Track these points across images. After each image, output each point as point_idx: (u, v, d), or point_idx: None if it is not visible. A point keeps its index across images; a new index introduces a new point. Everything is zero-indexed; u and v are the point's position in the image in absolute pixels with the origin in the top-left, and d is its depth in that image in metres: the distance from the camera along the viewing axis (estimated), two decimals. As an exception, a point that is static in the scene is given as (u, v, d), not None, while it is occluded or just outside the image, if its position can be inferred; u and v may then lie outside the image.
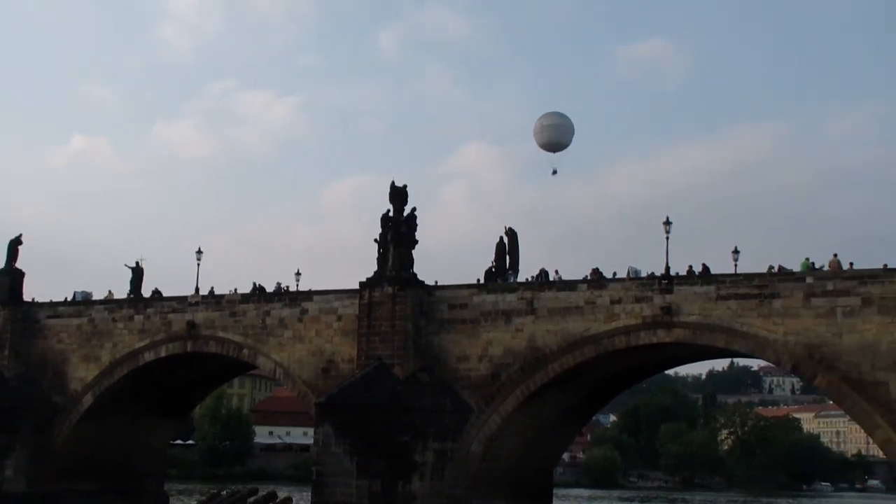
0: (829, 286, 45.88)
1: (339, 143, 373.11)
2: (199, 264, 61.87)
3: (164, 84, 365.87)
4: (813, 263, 48.39)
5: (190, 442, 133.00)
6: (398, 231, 51.80)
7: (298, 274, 60.15)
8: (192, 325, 59.69)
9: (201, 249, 62.40)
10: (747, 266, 49.52)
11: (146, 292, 63.77)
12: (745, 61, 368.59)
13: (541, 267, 52.62)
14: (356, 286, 53.49)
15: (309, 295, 56.32)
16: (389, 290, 51.48)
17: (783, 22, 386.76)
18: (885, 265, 45.24)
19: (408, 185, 52.75)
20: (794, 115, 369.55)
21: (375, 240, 52.37)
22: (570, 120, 56.99)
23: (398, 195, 52.70)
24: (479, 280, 53.30)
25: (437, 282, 53.67)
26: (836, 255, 48.37)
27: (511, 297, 51.62)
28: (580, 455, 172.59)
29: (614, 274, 50.71)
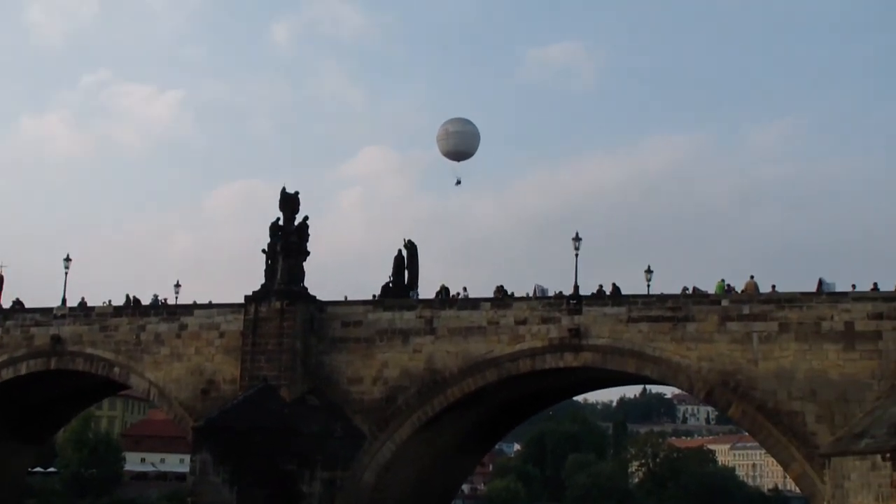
0: (745, 310, 46.85)
1: (225, 144, 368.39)
2: (66, 273, 61.00)
3: (31, 73, 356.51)
4: (729, 286, 49.65)
5: (51, 470, 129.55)
6: (288, 241, 51.78)
7: (178, 286, 59.79)
8: (57, 339, 58.45)
9: (70, 257, 61.76)
10: (660, 287, 50.65)
11: (6, 302, 62.38)
12: (662, 69, 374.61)
13: (442, 283, 53.08)
14: (241, 300, 53.35)
15: (189, 309, 55.80)
16: (277, 304, 51.34)
17: (703, 29, 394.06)
18: (807, 291, 46.81)
19: (299, 191, 52.75)
20: (711, 126, 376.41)
21: (263, 250, 52.34)
22: (475, 127, 58.75)
23: (289, 202, 52.61)
24: (374, 296, 53.72)
25: (329, 297, 54.14)
26: (752, 277, 49.56)
27: (409, 316, 51.95)
28: (481, 486, 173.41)
29: (517, 293, 51.63)
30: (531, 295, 51.28)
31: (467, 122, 58.55)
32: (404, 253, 54.23)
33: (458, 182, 57.37)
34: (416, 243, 53.89)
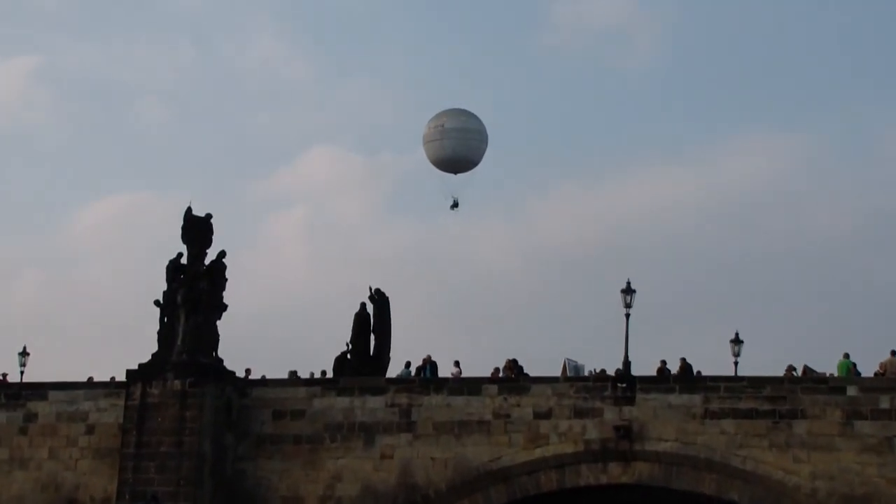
0: (884, 402, 40.87)
1: (99, 137, 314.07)
2: None
3: None
4: (854, 365, 43.91)
5: None
6: (195, 288, 46.16)
7: (24, 353, 54.11)
8: None
9: None
10: (754, 365, 47.96)
11: None
12: (755, 35, 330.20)
13: (426, 354, 47.69)
14: (121, 376, 47.20)
15: (40, 390, 49.06)
16: (177, 384, 45.18)
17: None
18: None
19: (212, 213, 47.16)
20: (828, 125, 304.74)
21: (157, 302, 46.56)
22: (481, 123, 54.48)
23: (196, 229, 46.87)
24: (324, 372, 48.14)
25: (255, 373, 48.53)
26: (894, 353, 43.70)
27: (376, 403, 45.87)
28: None
29: (537, 371, 46.04)
30: (559, 375, 46.20)
31: (470, 115, 53.99)
32: (370, 308, 48.17)
33: (455, 205, 53.57)
34: (386, 294, 48.22)
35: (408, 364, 48.38)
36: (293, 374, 49.21)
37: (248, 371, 48.87)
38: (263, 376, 48.55)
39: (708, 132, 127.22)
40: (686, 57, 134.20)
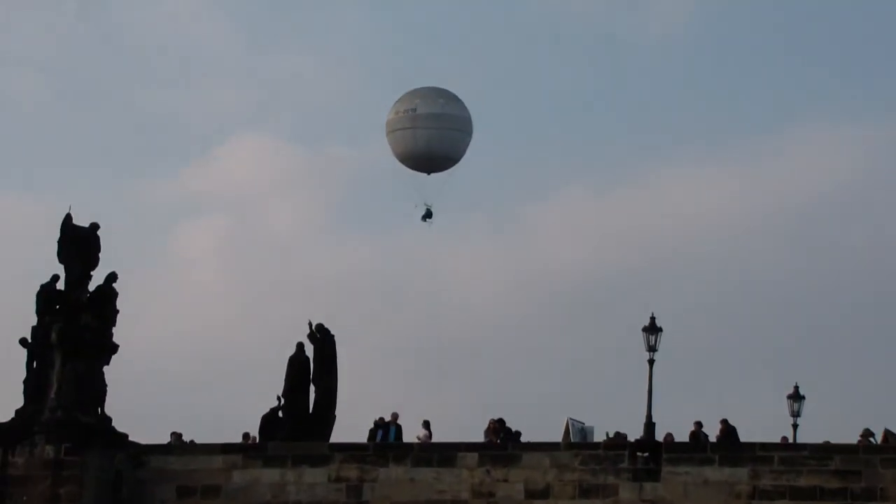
0: None
1: None
2: None
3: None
4: None
5: None
6: (75, 323, 41.15)
7: None
8: None
9: None
10: (818, 429, 46.57)
11: None
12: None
13: (388, 413, 43.53)
14: None
15: None
16: (49, 451, 39.90)
17: None
18: None
19: (100, 223, 42.36)
20: None
21: (24, 340, 41.48)
22: (464, 108, 50.63)
23: (78, 244, 41.62)
24: (246, 435, 43.66)
25: (154, 436, 43.62)
26: None
27: (316, 477, 40.29)
28: None
29: (531, 436, 42.03)
30: (560, 440, 42.88)
31: (449, 97, 50.33)
32: (309, 351, 42.72)
33: (428, 215, 50.17)
34: (332, 332, 43.04)
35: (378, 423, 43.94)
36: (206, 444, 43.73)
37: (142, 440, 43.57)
38: (171, 442, 44.48)
39: (752, 123, 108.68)
40: (721, 24, 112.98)
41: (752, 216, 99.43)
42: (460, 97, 51.77)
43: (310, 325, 42.75)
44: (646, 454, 38.30)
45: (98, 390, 41.35)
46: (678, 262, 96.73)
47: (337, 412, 43.35)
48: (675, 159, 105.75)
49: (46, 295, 41.65)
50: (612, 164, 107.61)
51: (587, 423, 45.01)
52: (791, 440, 42.87)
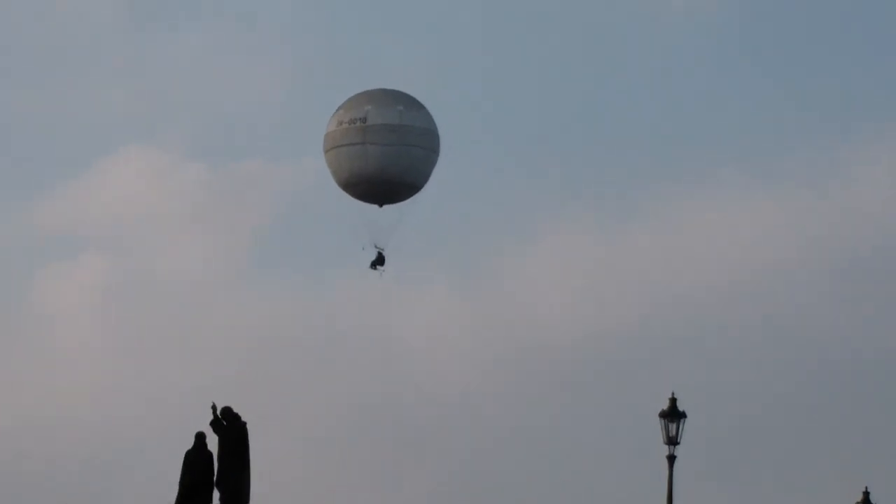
0: None
1: None
2: None
3: None
4: None
5: None
6: None
7: None
8: None
9: None
10: None
11: None
12: None
13: None
14: None
15: None
16: None
17: None
18: None
19: None
20: None
21: None
22: (430, 119, 44.39)
23: None
24: None
25: None
26: None
27: None
28: None
29: None
30: None
31: (411, 103, 44.11)
32: (213, 444, 35.45)
33: (379, 261, 44.04)
34: (243, 417, 35.49)
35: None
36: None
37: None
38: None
39: (818, 132, 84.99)
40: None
41: (802, 261, 79.20)
42: (424, 103, 44.01)
43: (213, 408, 35.87)
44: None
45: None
46: (705, 323, 75.40)
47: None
48: (698, 185, 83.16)
49: None
50: (617, 192, 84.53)
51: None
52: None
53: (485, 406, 74.99)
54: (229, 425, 35.29)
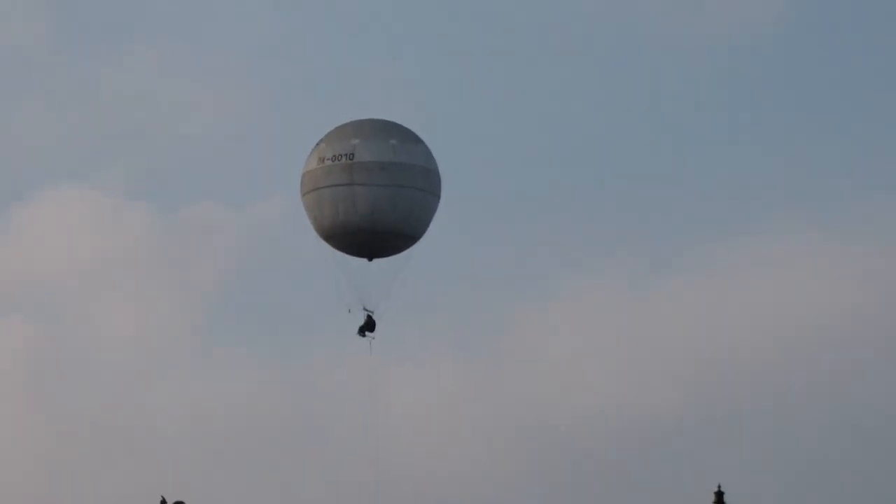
0: None
1: None
2: None
3: None
4: None
5: None
6: None
7: None
8: None
9: None
10: None
11: None
12: None
13: None
14: None
15: None
16: None
17: None
18: None
19: None
20: None
21: None
22: (429, 155, 39.45)
23: None
24: None
25: None
26: None
27: None
28: None
29: None
30: None
31: (407, 136, 39.10)
32: None
33: (368, 326, 39.25)
34: None
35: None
36: None
37: None
38: None
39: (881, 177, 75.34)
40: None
41: (880, 320, 68.02)
42: (420, 136, 38.86)
43: (163, 502, 34.57)
44: None
45: None
46: (759, 396, 64.68)
47: None
48: (752, 228, 72.26)
49: None
50: (654, 239, 73.40)
51: None
52: None
53: (491, 493, 63.30)
54: (177, 515, 34.14)
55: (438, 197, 38.80)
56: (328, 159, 37.98)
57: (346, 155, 37.91)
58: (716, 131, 78.86)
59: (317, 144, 38.43)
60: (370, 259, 38.87)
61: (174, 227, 75.30)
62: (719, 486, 34.24)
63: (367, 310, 38.77)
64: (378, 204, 37.88)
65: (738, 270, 72.26)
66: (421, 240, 39.01)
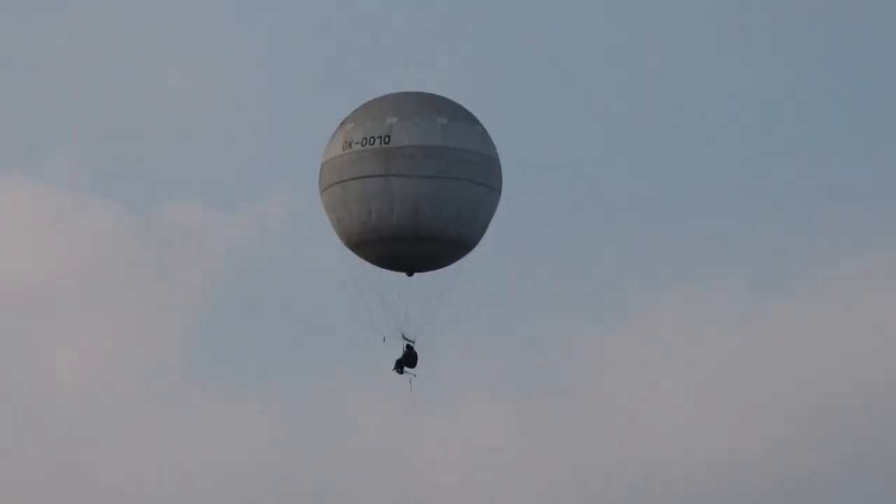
0: None
1: None
2: None
3: None
4: None
5: None
6: None
7: None
8: None
9: None
10: None
11: None
12: None
13: None
14: None
15: None
16: None
17: None
18: None
19: None
20: None
21: None
22: (488, 140, 33.09)
23: None
24: None
25: None
26: None
27: None
28: None
29: None
30: None
31: (460, 114, 32.39)
32: None
33: (408, 362, 33.41)
34: None
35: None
36: None
37: None
38: None
39: None
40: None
41: None
42: (476, 114, 32.23)
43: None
44: None
45: None
46: None
47: None
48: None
49: None
50: (765, 254, 62.81)
51: None
52: None
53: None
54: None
55: (499, 193, 32.20)
56: (357, 143, 31.92)
57: (381, 138, 31.87)
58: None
59: (341, 124, 32.00)
60: (410, 274, 32.79)
61: (147, 233, 62.68)
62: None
63: (406, 339, 32.69)
64: (422, 202, 31.49)
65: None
66: (475, 248, 32.48)
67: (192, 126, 63.91)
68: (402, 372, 33.10)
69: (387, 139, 31.45)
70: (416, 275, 32.65)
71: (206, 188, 62.81)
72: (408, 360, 32.68)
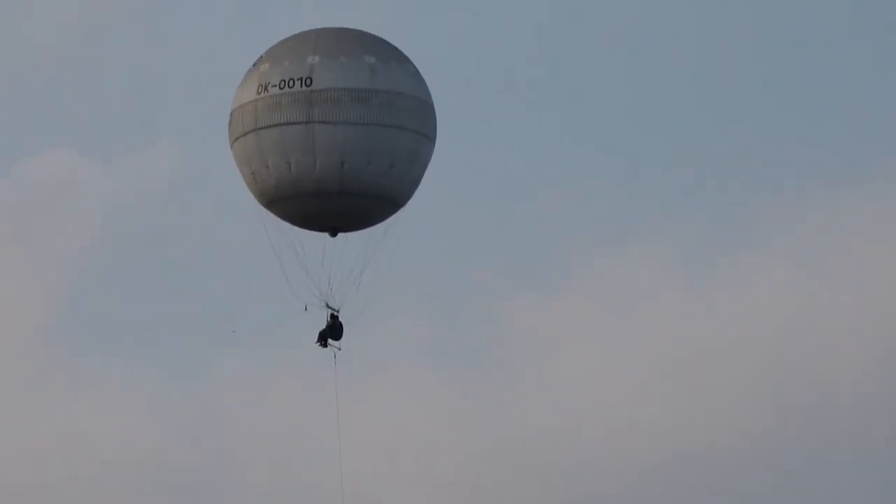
0: None
1: None
2: None
3: None
4: None
5: None
6: None
7: None
8: None
9: None
10: None
11: None
12: None
13: None
14: None
15: None
16: None
17: None
18: None
19: None
20: None
21: None
22: (421, 80, 31.19)
23: None
24: None
25: None
26: None
27: None
28: None
29: None
30: None
31: (389, 52, 30.31)
32: None
33: (332, 334, 31.83)
34: None
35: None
36: None
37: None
38: None
39: None
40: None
41: None
42: (407, 53, 30.00)
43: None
44: None
45: None
46: None
47: None
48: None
49: None
50: (727, 203, 63.84)
51: None
52: None
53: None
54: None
55: (433, 142, 29.80)
56: (273, 86, 29.37)
57: (302, 80, 29.40)
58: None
59: (254, 64, 29.59)
60: (334, 234, 30.54)
61: (10, 186, 59.19)
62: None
63: (330, 308, 30.42)
64: (348, 152, 28.98)
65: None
66: (406, 205, 30.06)
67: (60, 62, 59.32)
68: (325, 345, 31.02)
69: (308, 81, 29.16)
70: (340, 235, 30.65)
71: (86, 133, 58.94)
72: (332, 331, 30.69)
